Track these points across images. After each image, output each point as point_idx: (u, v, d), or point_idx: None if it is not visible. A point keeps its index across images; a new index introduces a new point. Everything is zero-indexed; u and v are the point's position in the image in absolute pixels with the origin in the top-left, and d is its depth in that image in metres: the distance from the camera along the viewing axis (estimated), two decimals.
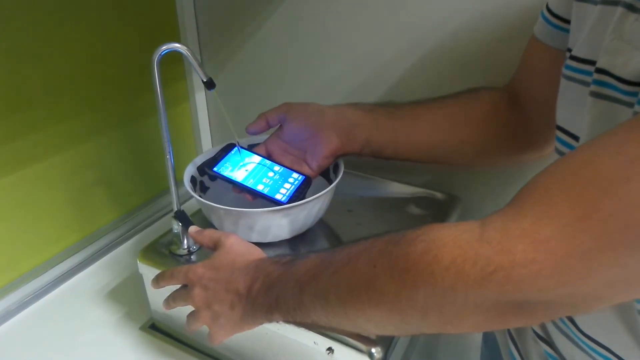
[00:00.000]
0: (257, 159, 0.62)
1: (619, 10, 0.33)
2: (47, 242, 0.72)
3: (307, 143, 0.62)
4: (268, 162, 0.62)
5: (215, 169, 0.60)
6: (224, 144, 0.64)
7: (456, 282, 0.30)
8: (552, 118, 0.54)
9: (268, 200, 0.58)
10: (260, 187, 0.59)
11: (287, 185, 0.60)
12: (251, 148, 0.64)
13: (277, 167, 0.62)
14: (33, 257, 0.71)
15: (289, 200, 0.58)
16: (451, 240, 0.31)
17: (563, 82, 0.41)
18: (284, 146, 0.64)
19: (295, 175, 0.62)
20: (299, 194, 0.59)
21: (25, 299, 0.67)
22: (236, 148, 0.63)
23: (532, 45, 0.53)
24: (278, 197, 0.58)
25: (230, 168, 0.60)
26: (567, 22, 0.46)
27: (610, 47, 0.33)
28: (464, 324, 0.33)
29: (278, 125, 0.64)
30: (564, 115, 0.42)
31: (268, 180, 0.60)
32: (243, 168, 0.61)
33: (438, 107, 0.61)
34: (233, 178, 0.59)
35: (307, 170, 0.63)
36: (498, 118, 0.59)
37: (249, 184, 0.59)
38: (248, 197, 0.60)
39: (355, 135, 0.61)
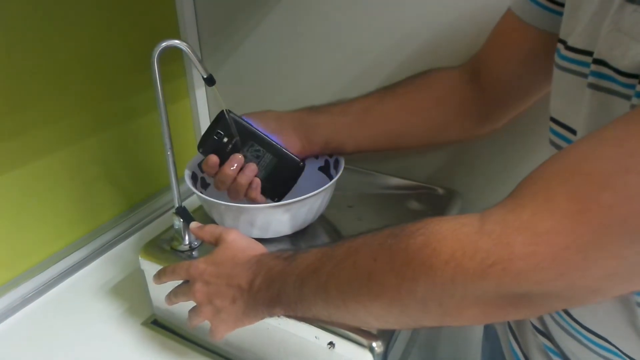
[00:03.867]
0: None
1: (617, 0, 0.33)
2: (49, 239, 0.73)
3: None
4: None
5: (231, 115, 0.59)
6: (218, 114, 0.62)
7: (455, 275, 0.30)
8: (513, 95, 0.54)
9: (283, 156, 0.60)
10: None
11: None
12: None
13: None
14: (36, 254, 0.71)
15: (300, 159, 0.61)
16: (450, 234, 0.31)
17: (557, 73, 0.41)
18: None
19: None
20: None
21: (29, 294, 0.68)
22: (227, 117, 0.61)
23: (507, 22, 0.53)
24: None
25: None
26: (554, 3, 0.46)
27: (608, 38, 0.33)
28: (463, 316, 0.33)
29: None
30: (558, 107, 0.41)
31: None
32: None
33: (390, 98, 0.61)
34: (253, 125, 0.59)
35: None
36: (451, 98, 0.59)
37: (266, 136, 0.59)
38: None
39: (314, 137, 0.61)
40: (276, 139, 0.61)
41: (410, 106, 0.61)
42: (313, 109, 0.63)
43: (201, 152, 0.60)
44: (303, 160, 0.62)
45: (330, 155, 0.66)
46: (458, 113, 0.59)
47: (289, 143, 0.61)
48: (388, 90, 0.62)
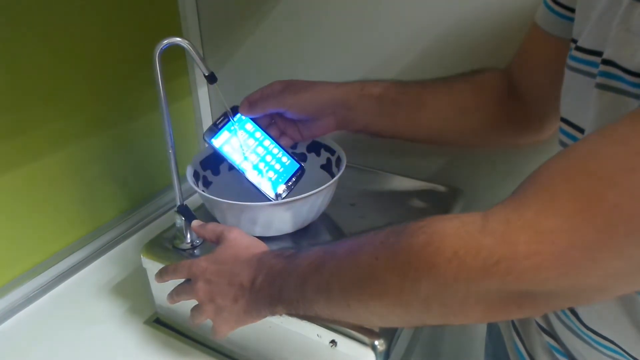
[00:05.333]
0: (258, 134, 0.62)
1: (626, 0, 0.32)
2: (52, 238, 0.73)
3: (304, 120, 0.63)
4: (267, 139, 0.62)
5: (213, 139, 0.60)
6: (231, 107, 0.62)
7: (458, 273, 0.30)
8: (550, 105, 0.53)
9: (258, 192, 0.59)
10: (253, 174, 0.60)
11: (280, 176, 0.61)
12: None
13: (275, 150, 0.62)
14: (38, 253, 0.71)
15: (276, 194, 0.59)
16: (453, 232, 0.31)
17: (568, 74, 0.41)
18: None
19: (291, 163, 0.62)
20: (289, 186, 0.60)
21: (32, 294, 0.68)
22: (235, 118, 0.61)
23: (532, 32, 0.53)
24: (267, 190, 0.59)
25: (229, 142, 0.60)
26: (571, 10, 0.45)
27: (617, 38, 0.32)
28: (466, 315, 0.33)
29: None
30: (568, 107, 0.41)
31: (264, 166, 0.60)
32: (242, 146, 0.61)
33: (445, 94, 0.60)
34: (229, 158, 0.60)
35: (297, 136, 0.64)
36: (500, 102, 0.59)
37: (243, 170, 0.59)
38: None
39: (354, 121, 0.61)
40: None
41: (462, 106, 0.60)
42: (365, 89, 0.60)
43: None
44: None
45: (333, 153, 0.66)
46: (505, 118, 0.59)
47: (323, 124, 0.61)
48: (444, 84, 0.61)
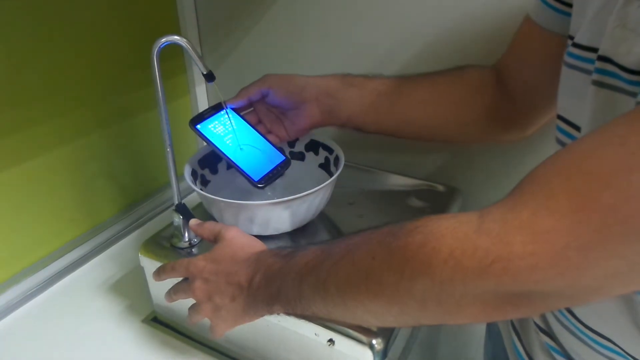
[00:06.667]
0: (243, 126, 0.62)
1: None
2: (50, 236, 0.73)
3: (288, 112, 0.63)
4: (254, 132, 0.62)
5: (199, 126, 0.59)
6: (215, 104, 0.63)
7: (454, 273, 0.30)
8: (538, 101, 0.53)
9: (242, 175, 0.59)
10: (237, 159, 0.60)
11: (264, 165, 0.61)
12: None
13: (261, 142, 0.62)
14: (36, 251, 0.71)
15: (260, 179, 0.59)
16: (449, 232, 0.31)
17: (564, 71, 0.40)
18: (267, 106, 0.64)
19: (276, 154, 0.62)
20: (273, 175, 0.60)
21: (29, 291, 0.68)
22: (224, 110, 0.62)
23: (526, 27, 0.53)
24: (252, 173, 0.59)
25: (215, 130, 0.60)
26: (567, 5, 0.45)
27: (613, 34, 0.32)
28: (462, 315, 0.33)
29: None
30: (565, 104, 0.41)
31: (248, 153, 0.61)
32: (228, 135, 0.61)
33: (426, 86, 0.61)
34: (214, 143, 0.59)
35: (283, 134, 0.64)
36: (482, 97, 0.59)
37: (228, 153, 0.59)
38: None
39: (337, 111, 0.61)
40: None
41: (442, 98, 0.60)
42: (346, 79, 0.62)
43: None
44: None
45: (331, 152, 0.66)
46: (487, 113, 0.59)
47: (308, 113, 0.61)
48: (425, 77, 0.61)
